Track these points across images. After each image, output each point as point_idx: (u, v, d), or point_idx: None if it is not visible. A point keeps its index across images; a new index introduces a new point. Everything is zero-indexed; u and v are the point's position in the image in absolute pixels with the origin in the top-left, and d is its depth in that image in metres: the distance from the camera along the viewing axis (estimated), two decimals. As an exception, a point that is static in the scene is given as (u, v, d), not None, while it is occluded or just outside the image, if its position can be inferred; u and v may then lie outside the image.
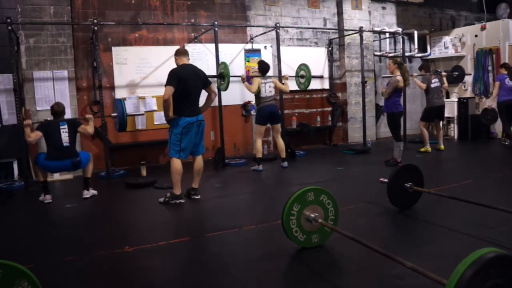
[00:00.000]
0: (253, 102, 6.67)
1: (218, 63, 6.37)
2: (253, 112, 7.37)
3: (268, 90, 5.91)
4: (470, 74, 8.32)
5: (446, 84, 7.18)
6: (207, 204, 4.41)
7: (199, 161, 4.51)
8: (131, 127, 6.63)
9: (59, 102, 4.92)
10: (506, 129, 7.41)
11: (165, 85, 4.17)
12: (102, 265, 2.87)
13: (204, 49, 7.05)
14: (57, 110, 4.72)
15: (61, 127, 4.61)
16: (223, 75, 5.44)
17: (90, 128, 4.76)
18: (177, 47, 6.82)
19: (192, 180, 4.54)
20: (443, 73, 7.25)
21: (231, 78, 5.42)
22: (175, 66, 4.39)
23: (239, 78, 6.05)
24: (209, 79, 4.56)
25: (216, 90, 4.56)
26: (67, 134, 4.61)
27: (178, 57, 4.41)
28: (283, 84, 6.20)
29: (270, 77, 6.07)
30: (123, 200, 4.82)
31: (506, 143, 7.37)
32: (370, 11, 8.70)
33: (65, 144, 4.58)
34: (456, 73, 7.58)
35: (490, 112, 7.67)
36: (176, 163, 4.29)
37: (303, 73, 6.62)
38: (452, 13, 10.06)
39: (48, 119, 4.89)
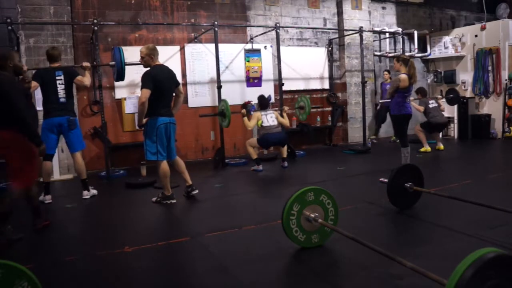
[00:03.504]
0: (253, 102, 6.66)
1: (218, 63, 6.38)
2: (253, 112, 7.35)
3: (270, 120, 5.97)
4: (464, 98, 8.31)
5: (443, 106, 7.34)
6: (207, 204, 4.41)
7: (178, 161, 4.44)
8: (131, 127, 6.62)
9: (55, 45, 4.73)
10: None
11: (142, 88, 4.05)
12: (102, 265, 2.87)
13: (204, 49, 7.05)
14: (53, 53, 4.52)
15: (57, 77, 4.48)
16: (224, 113, 5.50)
17: (87, 80, 4.62)
18: (177, 47, 6.91)
19: (184, 180, 4.48)
20: (439, 96, 7.43)
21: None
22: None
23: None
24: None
25: (183, 91, 4.55)
26: (63, 87, 4.49)
27: (153, 56, 4.22)
28: (282, 117, 6.22)
29: (270, 110, 6.17)
30: (123, 200, 4.82)
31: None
32: (370, 11, 8.69)
33: (61, 100, 4.49)
34: (451, 95, 7.65)
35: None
36: (163, 166, 4.25)
37: (302, 104, 6.76)
38: (452, 13, 10.06)
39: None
